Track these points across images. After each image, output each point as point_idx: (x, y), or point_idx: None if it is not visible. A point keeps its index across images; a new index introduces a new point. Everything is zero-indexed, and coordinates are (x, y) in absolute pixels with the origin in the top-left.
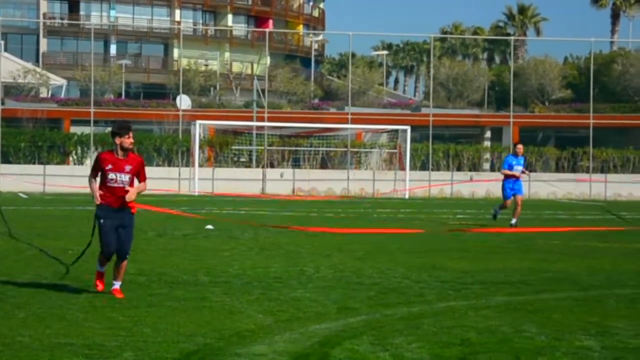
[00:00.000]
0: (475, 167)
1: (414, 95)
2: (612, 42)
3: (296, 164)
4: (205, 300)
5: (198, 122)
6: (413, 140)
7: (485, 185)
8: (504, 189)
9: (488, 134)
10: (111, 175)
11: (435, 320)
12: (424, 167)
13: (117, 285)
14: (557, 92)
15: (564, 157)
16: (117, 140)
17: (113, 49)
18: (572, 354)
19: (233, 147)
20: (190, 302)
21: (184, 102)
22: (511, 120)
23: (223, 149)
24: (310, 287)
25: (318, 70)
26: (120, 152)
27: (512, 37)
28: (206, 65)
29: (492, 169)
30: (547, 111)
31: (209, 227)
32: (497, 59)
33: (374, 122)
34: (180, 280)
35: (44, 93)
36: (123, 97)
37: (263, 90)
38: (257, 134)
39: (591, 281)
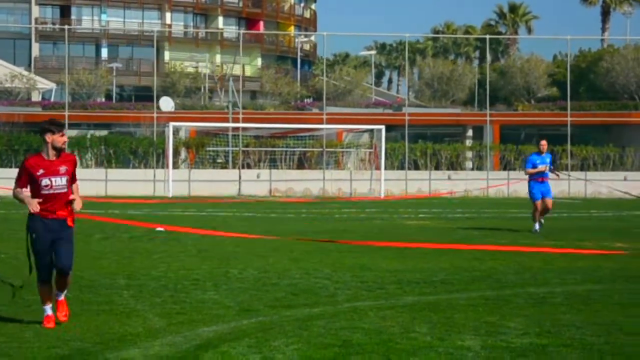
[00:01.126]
0: (453, 165)
1: (407, 95)
2: (602, 40)
3: (273, 164)
4: (109, 303)
5: (171, 124)
6: (394, 139)
7: (463, 183)
8: (530, 191)
9: (470, 133)
10: (45, 182)
11: (329, 322)
12: (402, 167)
13: (61, 296)
14: (543, 90)
15: None
16: (48, 139)
17: (104, 53)
18: (448, 354)
19: (208, 149)
20: (92, 306)
21: (167, 104)
22: (488, 118)
23: (199, 151)
24: (223, 289)
25: (310, 71)
26: (51, 153)
27: (488, 36)
28: (196, 67)
29: (474, 168)
30: (531, 109)
31: (160, 229)
32: (490, 58)
33: (352, 122)
34: (94, 284)
35: (35, 97)
36: (114, 100)
37: (238, 92)
38: (233, 135)
39: (514, 280)
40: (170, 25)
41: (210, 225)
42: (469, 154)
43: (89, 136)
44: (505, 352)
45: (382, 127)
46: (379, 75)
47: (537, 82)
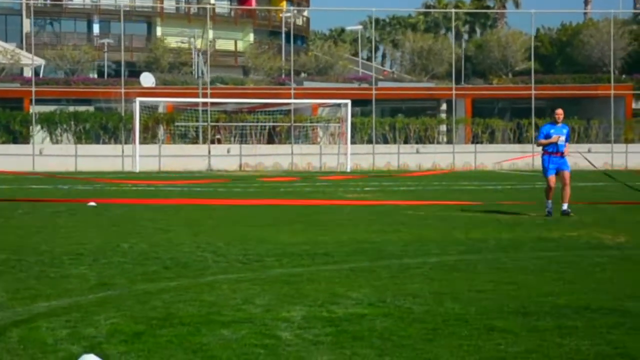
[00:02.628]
0: (421, 139)
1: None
2: (585, 13)
3: (243, 139)
4: None
5: (138, 99)
6: (369, 114)
7: (431, 157)
8: (542, 165)
9: (444, 107)
10: None
11: (175, 295)
12: (371, 141)
13: None
14: (521, 64)
15: (509, 128)
16: None
17: (96, 29)
18: (262, 325)
19: (177, 124)
20: None
21: (148, 80)
22: (453, 92)
23: (169, 126)
24: (100, 263)
25: (303, 46)
26: None
27: (454, 11)
28: (187, 43)
29: (449, 142)
30: (507, 83)
31: (92, 204)
32: (479, 32)
33: (323, 97)
34: None
35: (27, 73)
36: (105, 76)
37: (206, 66)
38: (204, 110)
39: (395, 251)
40: (162, 1)
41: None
42: (443, 128)
43: (58, 112)
44: (319, 321)
45: (348, 101)
46: (375, 50)
47: (515, 56)
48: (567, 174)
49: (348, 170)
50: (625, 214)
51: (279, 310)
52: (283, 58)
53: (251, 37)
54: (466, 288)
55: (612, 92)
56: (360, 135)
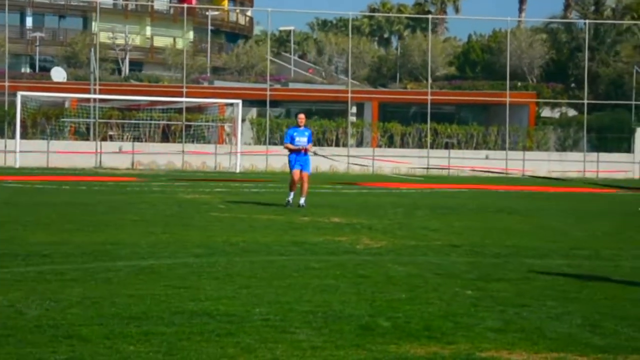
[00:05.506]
0: (319, 141)
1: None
2: (519, 21)
3: (137, 137)
4: None
5: (20, 93)
6: (278, 115)
7: (326, 159)
8: (289, 161)
9: (354, 110)
10: None
11: None
12: (270, 142)
13: None
14: (441, 69)
15: (408, 132)
16: None
17: (29, 22)
18: None
19: (62, 119)
20: None
21: (59, 74)
22: (349, 95)
23: (53, 121)
24: None
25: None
26: None
27: (380, 14)
28: (114, 39)
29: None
30: (425, 88)
31: None
32: (421, 36)
33: (221, 96)
34: None
35: None
36: (37, 70)
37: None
38: (94, 106)
39: (126, 254)
40: None
41: None
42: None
43: None
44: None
45: (239, 101)
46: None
47: (436, 61)
48: (305, 174)
49: (237, 171)
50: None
51: None
52: (209, 56)
53: (191, 35)
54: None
55: (508, 99)
56: (257, 135)
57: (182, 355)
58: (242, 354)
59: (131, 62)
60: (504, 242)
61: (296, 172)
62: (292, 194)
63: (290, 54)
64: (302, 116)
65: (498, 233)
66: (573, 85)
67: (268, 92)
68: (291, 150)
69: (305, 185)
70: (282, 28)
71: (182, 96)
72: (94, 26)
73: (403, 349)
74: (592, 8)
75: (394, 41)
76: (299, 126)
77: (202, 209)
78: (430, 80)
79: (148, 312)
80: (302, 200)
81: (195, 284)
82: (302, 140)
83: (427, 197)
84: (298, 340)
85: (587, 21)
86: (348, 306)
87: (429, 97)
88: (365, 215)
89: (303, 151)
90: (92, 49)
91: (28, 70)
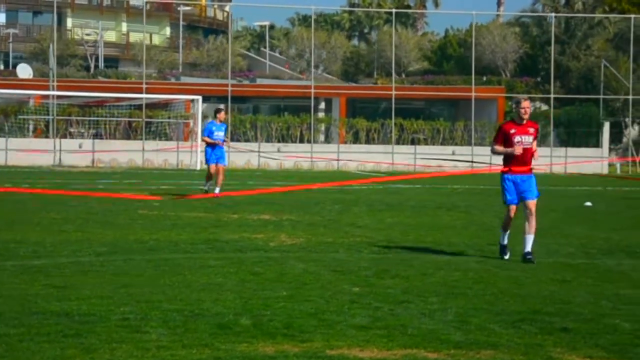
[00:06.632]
0: (283, 138)
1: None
2: (498, 15)
3: (98, 134)
4: None
5: None
6: (246, 111)
7: (293, 156)
8: (205, 156)
9: (322, 105)
10: None
11: None
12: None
13: None
14: (414, 64)
15: (374, 128)
16: None
17: (2, 18)
18: None
19: (20, 117)
20: None
21: (25, 71)
22: (313, 90)
23: (12, 118)
24: None
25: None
26: None
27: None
28: (86, 35)
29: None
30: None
31: None
32: (400, 30)
33: (183, 92)
34: None
35: None
36: (10, 67)
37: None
38: (52, 103)
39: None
40: None
41: None
42: (321, 127)
43: None
44: None
45: (199, 97)
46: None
47: (408, 56)
48: (221, 166)
49: (197, 168)
50: None
51: None
52: (181, 52)
53: (167, 31)
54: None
55: (473, 94)
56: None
57: (15, 356)
58: (80, 354)
59: (107, 59)
60: (424, 239)
61: (212, 167)
62: (208, 183)
63: (266, 49)
64: (222, 113)
65: (424, 229)
66: (539, 79)
67: (229, 88)
68: (208, 144)
69: (220, 177)
70: (258, 23)
71: (143, 92)
72: (69, 22)
73: (252, 347)
74: (563, 1)
75: (374, 36)
76: (218, 122)
77: (133, 206)
78: (394, 76)
79: (5, 312)
80: (217, 190)
81: (76, 284)
82: (219, 134)
83: (374, 194)
84: (146, 340)
85: (553, 15)
86: (218, 304)
87: (393, 93)
88: (299, 212)
89: (219, 144)
90: (51, 45)
91: (2, 67)
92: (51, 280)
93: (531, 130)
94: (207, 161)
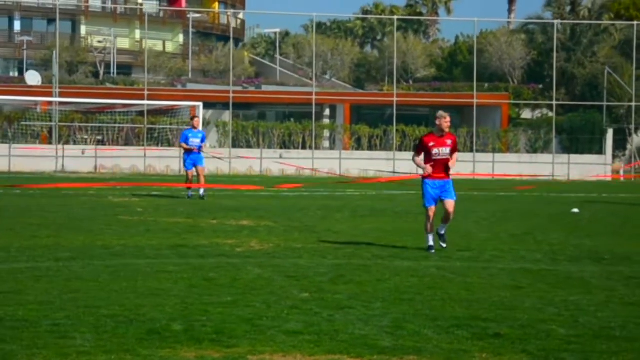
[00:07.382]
0: (285, 144)
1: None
2: (509, 22)
3: (100, 141)
4: None
5: None
6: (251, 117)
7: (294, 162)
8: (184, 161)
9: (327, 112)
10: None
11: None
12: (235, 145)
13: None
14: (422, 70)
15: (376, 134)
16: None
17: (17, 25)
18: None
19: (22, 123)
20: None
21: (34, 78)
22: (314, 97)
23: (15, 124)
24: None
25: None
26: None
27: (371, 16)
28: (101, 42)
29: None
30: (406, 90)
31: None
32: (412, 38)
33: (185, 99)
34: None
35: None
36: (24, 74)
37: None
38: (56, 109)
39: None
40: (87, 0)
41: None
42: (326, 133)
43: None
44: None
45: (200, 104)
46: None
47: (415, 63)
48: (201, 168)
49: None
50: None
51: None
52: (190, 58)
53: (181, 38)
54: None
55: (475, 100)
56: (222, 139)
57: None
58: None
59: (120, 66)
60: (396, 244)
61: (190, 172)
62: (190, 190)
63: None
64: (197, 120)
65: (399, 235)
66: (541, 86)
67: (231, 95)
68: (185, 150)
69: (202, 179)
70: (268, 30)
71: (145, 99)
72: (83, 30)
73: (174, 353)
74: (569, 8)
75: (386, 43)
76: (194, 128)
77: (114, 212)
78: (396, 83)
79: None
80: (201, 191)
81: (25, 289)
82: (195, 141)
83: (364, 200)
84: (70, 345)
85: (558, 22)
86: (156, 310)
87: (395, 99)
88: (280, 218)
89: (196, 150)
90: (54, 52)
91: (16, 74)
92: (1, 286)
93: (449, 142)
94: (185, 167)
